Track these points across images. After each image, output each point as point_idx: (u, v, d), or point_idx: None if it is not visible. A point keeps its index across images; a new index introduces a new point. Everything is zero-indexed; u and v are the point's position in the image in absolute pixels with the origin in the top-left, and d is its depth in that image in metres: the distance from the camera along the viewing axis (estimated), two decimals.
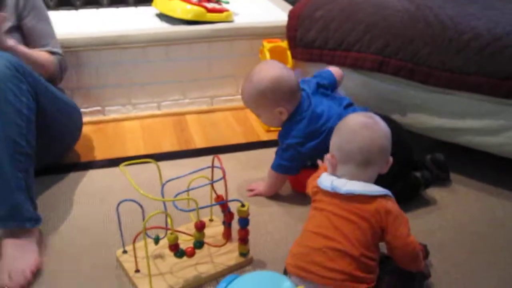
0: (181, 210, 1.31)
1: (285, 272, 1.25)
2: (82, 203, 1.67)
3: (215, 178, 1.39)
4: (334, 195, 1.21)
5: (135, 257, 1.33)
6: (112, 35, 2.10)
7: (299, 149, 1.60)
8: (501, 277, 1.38)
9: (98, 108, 2.20)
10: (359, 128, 1.23)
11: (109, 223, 1.57)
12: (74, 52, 2.07)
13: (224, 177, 1.27)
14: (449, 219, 1.61)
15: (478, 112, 1.70)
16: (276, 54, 2.04)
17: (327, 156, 1.26)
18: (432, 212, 1.64)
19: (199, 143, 2.04)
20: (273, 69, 1.59)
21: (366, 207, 1.17)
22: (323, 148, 1.50)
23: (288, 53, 2.05)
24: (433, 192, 1.73)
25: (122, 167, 1.28)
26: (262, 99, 1.59)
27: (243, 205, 1.33)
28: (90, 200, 1.68)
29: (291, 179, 1.72)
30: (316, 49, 1.96)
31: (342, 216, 1.18)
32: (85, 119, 2.16)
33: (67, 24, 2.26)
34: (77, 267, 1.39)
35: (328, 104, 1.64)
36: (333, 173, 1.25)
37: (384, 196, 1.19)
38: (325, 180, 1.24)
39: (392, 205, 1.19)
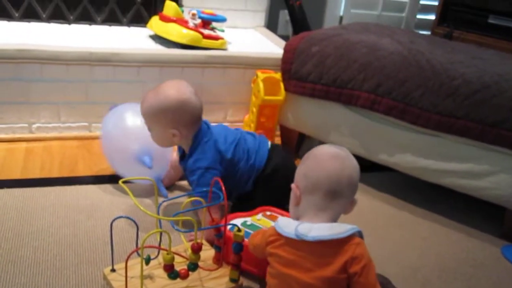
0: (178, 230, 1.31)
1: None
2: (69, 217, 1.63)
3: (209, 201, 1.40)
4: (299, 243, 1.13)
5: (126, 276, 1.31)
6: (106, 52, 2.09)
7: (218, 167, 1.58)
8: None
9: (85, 124, 2.17)
10: (329, 157, 1.18)
11: (96, 240, 1.54)
12: (64, 66, 2.05)
13: (225, 200, 1.27)
14: (432, 258, 1.64)
15: (464, 155, 1.76)
16: (269, 84, 2.07)
17: (292, 186, 1.21)
18: (415, 250, 1.67)
19: None
20: (183, 90, 1.56)
21: (334, 260, 1.11)
22: (235, 160, 1.61)
23: (281, 84, 2.09)
24: (415, 232, 1.77)
25: (121, 183, 1.27)
26: (161, 115, 1.54)
27: (239, 230, 1.34)
28: (76, 215, 1.65)
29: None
30: (310, 83, 2.00)
31: (304, 282, 1.12)
32: (71, 134, 2.15)
33: (59, 37, 2.25)
34: (63, 283, 1.36)
35: (224, 130, 1.67)
36: (296, 206, 1.20)
37: (353, 237, 1.13)
38: (286, 225, 1.17)
39: (361, 249, 1.12)
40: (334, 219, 1.17)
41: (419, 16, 3.59)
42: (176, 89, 1.55)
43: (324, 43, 2.01)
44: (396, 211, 1.89)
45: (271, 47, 2.50)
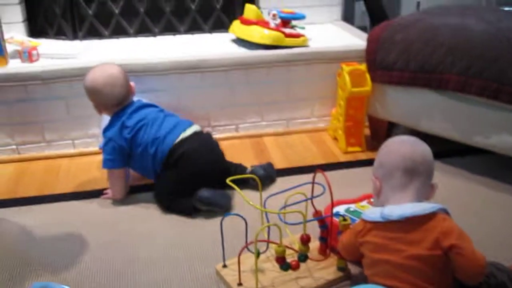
0: (286, 223, 1.36)
1: None
2: (173, 219, 1.74)
3: (311, 194, 1.44)
4: (386, 225, 1.19)
5: (239, 270, 1.37)
6: (193, 60, 2.18)
7: (116, 140, 1.77)
8: None
9: None
10: (399, 143, 1.28)
11: (203, 238, 1.62)
12: (156, 76, 2.16)
13: (330, 190, 1.31)
14: None
15: None
16: (355, 76, 2.08)
17: (372, 179, 1.28)
18: None
19: (280, 164, 2.08)
20: (99, 78, 1.79)
21: (423, 236, 1.14)
22: (137, 141, 1.78)
23: (367, 75, 2.09)
24: None
25: (229, 181, 1.34)
26: (91, 92, 1.82)
27: (345, 219, 1.37)
28: (179, 217, 1.75)
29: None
30: (396, 71, 1.99)
31: (398, 263, 1.15)
32: None
33: (147, 50, 2.37)
34: (179, 280, 1.45)
35: (151, 110, 1.86)
36: (378, 197, 1.27)
37: (437, 213, 1.17)
38: (372, 212, 1.24)
39: (449, 223, 1.15)
40: (417, 200, 1.22)
41: None
42: (94, 75, 1.80)
43: (408, 29, 2.00)
44: (495, 193, 1.85)
45: (352, 39, 2.51)
